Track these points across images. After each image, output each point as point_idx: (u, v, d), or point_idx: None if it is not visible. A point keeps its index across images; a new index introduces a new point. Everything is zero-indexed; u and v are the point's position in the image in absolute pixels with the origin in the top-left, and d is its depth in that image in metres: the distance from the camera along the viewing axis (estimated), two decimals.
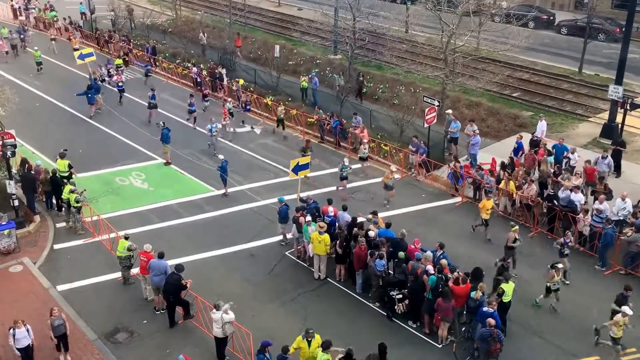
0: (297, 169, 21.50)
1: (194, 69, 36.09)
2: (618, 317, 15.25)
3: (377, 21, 35.88)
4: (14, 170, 22.21)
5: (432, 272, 16.71)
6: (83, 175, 25.02)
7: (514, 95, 33.92)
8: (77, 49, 36.25)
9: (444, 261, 17.17)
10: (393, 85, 35.01)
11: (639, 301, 16.90)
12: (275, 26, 49.39)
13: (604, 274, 19.31)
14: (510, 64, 37.49)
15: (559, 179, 21.89)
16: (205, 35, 42.38)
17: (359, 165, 26.18)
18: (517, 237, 18.60)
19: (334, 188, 24.33)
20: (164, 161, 26.95)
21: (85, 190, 22.18)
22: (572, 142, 26.79)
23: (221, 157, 24.61)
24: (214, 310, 15.55)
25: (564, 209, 20.66)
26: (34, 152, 27.46)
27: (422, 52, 36.55)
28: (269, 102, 32.22)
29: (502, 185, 22.15)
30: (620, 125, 26.58)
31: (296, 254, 20.28)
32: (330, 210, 20.02)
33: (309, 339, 14.62)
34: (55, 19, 48.18)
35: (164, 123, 27.52)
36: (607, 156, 23.03)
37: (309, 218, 19.27)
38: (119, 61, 37.66)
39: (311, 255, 19.26)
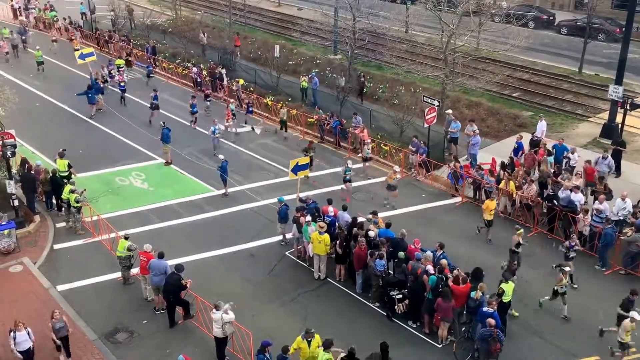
0: (297, 169, 21.49)
1: (194, 69, 36.10)
2: (627, 322, 15.13)
3: (377, 21, 35.87)
4: (14, 170, 22.21)
5: (432, 272, 16.72)
6: (83, 175, 25.02)
7: (514, 95, 33.92)
8: (78, 49, 36.22)
9: (444, 261, 17.16)
10: (393, 85, 35.01)
11: (639, 301, 16.90)
12: (275, 26, 49.39)
13: (604, 274, 19.32)
14: (510, 64, 37.50)
15: (559, 179, 21.90)
16: (206, 35, 42.39)
17: (360, 165, 26.17)
18: (521, 241, 18.47)
19: (334, 188, 24.33)
20: (164, 161, 26.96)
21: (85, 190, 22.18)
22: (572, 142, 26.79)
23: (221, 157, 24.62)
24: (214, 310, 15.55)
25: (564, 209, 20.66)
26: (34, 152, 27.46)
27: (422, 52, 36.55)
28: (269, 102, 32.24)
29: (502, 185, 22.15)
30: (620, 125, 26.58)
31: (296, 254, 20.29)
32: (330, 210, 20.02)
33: (309, 339, 14.61)
34: (55, 19, 48.19)
35: (164, 123, 27.52)
36: (607, 156, 23.03)
37: (308, 218, 19.27)
38: (120, 61, 37.62)
39: (311, 255, 19.26)
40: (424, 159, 25.35)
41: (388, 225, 19.17)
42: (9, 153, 21.44)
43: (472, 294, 16.06)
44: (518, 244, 18.46)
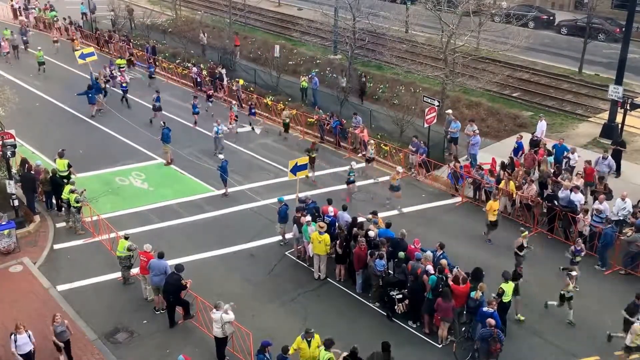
0: (296, 169, 21.45)
1: (194, 69, 36.10)
2: (636, 326, 15.06)
3: (377, 21, 35.85)
4: (14, 170, 22.21)
5: (432, 272, 16.72)
6: (83, 175, 25.02)
7: (514, 95, 33.92)
8: (78, 49, 36.22)
9: (444, 261, 17.16)
10: (393, 85, 35.02)
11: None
12: (275, 26, 49.39)
13: (604, 274, 19.32)
14: (510, 64, 37.50)
15: (559, 179, 21.90)
16: (206, 35, 42.39)
17: (361, 165, 26.13)
18: (524, 244, 18.34)
19: (334, 188, 24.36)
20: (165, 161, 26.95)
21: (85, 190, 22.19)
22: (572, 142, 26.80)
23: (221, 156, 24.61)
24: (214, 310, 15.55)
25: (563, 209, 20.67)
26: (34, 152, 27.46)
27: (422, 52, 36.56)
28: (269, 102, 32.24)
29: (502, 185, 22.15)
30: (620, 125, 26.59)
31: (296, 254, 20.29)
32: (330, 210, 20.02)
33: (309, 339, 14.61)
34: (55, 19, 48.17)
35: (164, 123, 27.52)
36: (607, 157, 23.02)
37: (308, 218, 19.27)
38: (121, 61, 37.55)
39: (311, 255, 19.26)
40: (424, 159, 25.35)
41: (388, 225, 19.17)
42: (9, 153, 21.43)
43: (472, 294, 16.06)
44: (522, 247, 18.37)
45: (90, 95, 31.64)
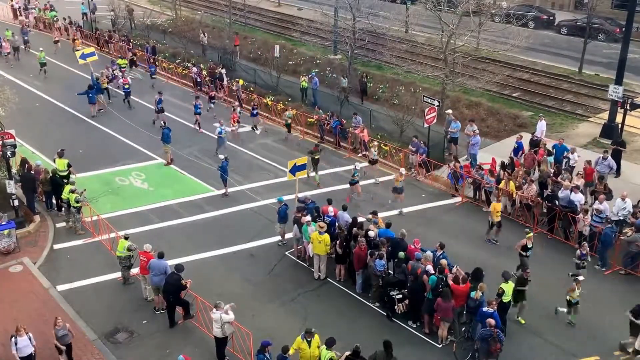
0: (295, 169, 21.43)
1: (194, 69, 36.09)
2: None
3: (377, 21, 35.87)
4: (14, 170, 22.21)
5: (432, 272, 16.72)
6: (83, 175, 25.02)
7: (514, 95, 33.92)
8: (79, 49, 36.22)
9: (444, 261, 17.15)
10: (393, 85, 35.02)
11: (639, 301, 16.90)
12: (275, 26, 49.40)
13: (604, 274, 19.32)
14: (510, 64, 37.50)
15: (559, 179, 21.90)
16: (206, 35, 42.39)
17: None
18: (527, 245, 18.23)
19: (334, 188, 24.37)
20: (165, 161, 26.94)
21: (85, 190, 22.19)
22: (572, 142, 26.80)
23: (221, 156, 24.61)
24: (214, 310, 15.55)
25: (563, 209, 20.67)
26: (34, 152, 27.46)
27: (422, 52, 36.55)
28: (269, 102, 32.24)
29: (502, 185, 22.14)
30: (620, 125, 26.59)
31: (296, 254, 20.28)
32: (330, 210, 20.02)
33: (309, 339, 14.60)
34: (55, 19, 48.17)
35: (164, 123, 27.51)
36: (607, 157, 23.00)
37: (308, 218, 19.27)
38: (122, 61, 37.49)
39: (311, 255, 19.26)
40: (424, 159, 25.35)
41: (388, 225, 19.17)
42: (9, 153, 21.44)
43: (472, 294, 16.06)
44: (526, 247, 18.31)
45: (90, 95, 31.61)
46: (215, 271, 19.62)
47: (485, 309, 15.36)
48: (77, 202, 21.18)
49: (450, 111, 27.55)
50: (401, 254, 17.56)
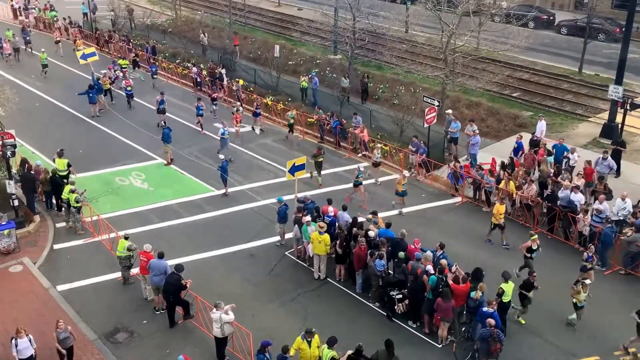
0: (294, 169, 21.41)
1: (194, 69, 36.08)
2: None
3: (377, 21, 35.89)
4: (14, 170, 22.21)
5: (432, 272, 16.72)
6: (83, 175, 25.02)
7: (514, 95, 33.92)
8: (80, 50, 36.20)
9: (444, 261, 17.14)
10: (393, 85, 35.02)
11: (639, 301, 16.92)
12: (275, 26, 49.40)
13: (604, 274, 19.30)
14: (510, 64, 37.50)
15: (559, 179, 21.90)
16: (206, 35, 42.38)
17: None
18: (533, 247, 18.15)
19: (334, 188, 24.36)
20: (165, 161, 26.94)
21: (85, 190, 22.21)
22: (572, 142, 26.80)
23: (221, 156, 24.61)
24: (214, 309, 15.55)
25: (563, 209, 20.66)
26: (34, 152, 27.46)
27: (422, 52, 36.56)
28: (269, 102, 32.25)
29: (502, 185, 22.14)
30: (620, 125, 26.59)
31: (296, 254, 20.28)
32: (330, 210, 20.02)
33: (309, 340, 14.60)
34: (55, 19, 48.17)
35: (164, 122, 27.48)
36: (607, 157, 22.99)
37: (308, 218, 19.27)
38: (124, 62, 37.47)
39: (311, 255, 19.26)
40: (424, 159, 25.35)
41: (388, 225, 19.17)
42: (9, 153, 21.43)
43: (472, 294, 16.06)
44: (531, 249, 18.28)
45: (91, 95, 31.59)
46: (215, 271, 19.62)
47: (485, 309, 15.36)
48: (77, 202, 21.19)
49: (450, 111, 27.55)
50: (401, 254, 17.55)
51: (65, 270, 19.78)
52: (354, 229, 18.78)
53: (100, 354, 16.21)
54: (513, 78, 35.76)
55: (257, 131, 30.08)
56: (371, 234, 18.46)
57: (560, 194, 21.01)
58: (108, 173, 26.12)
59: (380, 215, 20.25)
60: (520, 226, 21.40)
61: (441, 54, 30.08)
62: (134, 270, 18.75)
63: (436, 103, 26.59)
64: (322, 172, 25.53)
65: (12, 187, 21.19)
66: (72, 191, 21.35)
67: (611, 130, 27.31)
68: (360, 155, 27.50)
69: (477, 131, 25.72)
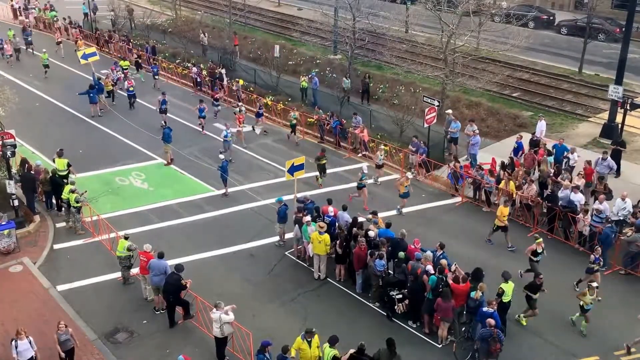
0: (293, 169, 21.39)
1: (194, 69, 36.08)
2: None
3: (377, 21, 35.90)
4: (14, 170, 22.21)
5: (432, 272, 16.72)
6: (83, 175, 25.02)
7: (514, 95, 33.92)
8: (81, 50, 36.17)
9: (444, 261, 17.14)
10: (393, 85, 35.02)
11: (639, 301, 16.92)
12: (275, 26, 49.40)
13: (604, 274, 19.27)
14: (510, 64, 37.50)
15: (558, 179, 21.90)
16: (206, 35, 42.38)
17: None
18: (537, 250, 18.08)
19: (334, 188, 24.36)
20: (165, 161, 26.94)
21: (86, 191, 22.21)
22: (572, 142, 26.80)
23: (222, 156, 24.61)
24: (214, 309, 15.55)
25: (563, 209, 20.66)
26: (34, 152, 27.46)
27: (422, 52, 36.55)
28: (269, 102, 32.25)
29: (502, 185, 22.14)
30: (620, 125, 26.59)
31: (296, 254, 20.28)
32: (330, 210, 20.01)
33: (309, 340, 14.60)
34: (55, 19, 48.17)
35: (165, 122, 27.47)
36: (607, 157, 22.99)
37: (308, 218, 19.27)
38: (125, 63, 37.42)
39: (311, 255, 19.26)
40: (424, 159, 25.35)
41: (388, 225, 19.16)
42: (9, 153, 21.44)
43: (472, 294, 16.05)
44: (536, 252, 18.21)
45: (91, 95, 31.59)
46: (215, 271, 19.62)
47: (485, 309, 15.36)
48: (77, 202, 21.19)
49: (450, 111, 27.55)
50: (401, 254, 17.55)
51: (65, 270, 19.78)
52: (354, 229, 18.78)
53: (100, 354, 16.21)
54: (513, 78, 35.75)
55: (257, 131, 30.04)
56: (371, 234, 18.46)
57: (560, 194, 21.01)
58: (108, 173, 26.12)
59: (380, 215, 20.25)
60: (520, 226, 21.40)
61: (441, 54, 30.08)
62: (134, 270, 18.75)
63: (436, 103, 26.59)
64: None
65: (12, 187, 21.20)
66: (72, 191, 21.35)
67: (611, 130, 27.31)
68: (360, 155, 27.49)
69: (477, 131, 25.72)
